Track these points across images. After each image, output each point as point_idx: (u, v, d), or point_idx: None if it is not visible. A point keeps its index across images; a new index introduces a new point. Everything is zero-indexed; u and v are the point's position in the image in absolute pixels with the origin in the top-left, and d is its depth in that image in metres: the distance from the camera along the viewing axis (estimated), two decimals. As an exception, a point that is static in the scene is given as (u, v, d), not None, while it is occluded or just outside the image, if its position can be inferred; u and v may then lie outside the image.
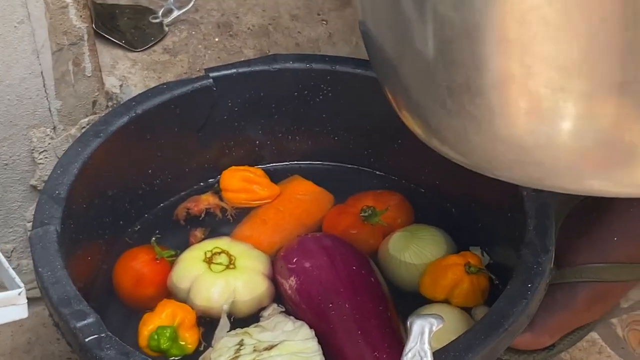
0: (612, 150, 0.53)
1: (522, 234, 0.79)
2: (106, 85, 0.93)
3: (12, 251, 0.95)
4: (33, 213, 0.92)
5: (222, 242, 0.90)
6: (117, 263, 0.90)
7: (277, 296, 0.88)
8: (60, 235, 0.78)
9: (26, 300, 0.56)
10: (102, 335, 0.71)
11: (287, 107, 0.96)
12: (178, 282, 0.87)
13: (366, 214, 0.93)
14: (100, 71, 0.90)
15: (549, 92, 0.51)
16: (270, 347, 0.79)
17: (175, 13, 1.03)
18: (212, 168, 0.97)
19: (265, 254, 0.90)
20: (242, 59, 0.98)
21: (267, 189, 0.96)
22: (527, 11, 0.50)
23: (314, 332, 0.81)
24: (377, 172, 0.99)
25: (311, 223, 0.95)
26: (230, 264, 0.88)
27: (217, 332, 0.85)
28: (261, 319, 0.86)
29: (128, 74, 0.97)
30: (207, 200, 0.96)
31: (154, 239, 0.91)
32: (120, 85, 0.96)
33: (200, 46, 1.01)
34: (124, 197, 0.91)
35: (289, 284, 0.87)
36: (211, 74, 0.92)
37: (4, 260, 0.57)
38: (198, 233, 0.94)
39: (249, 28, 1.03)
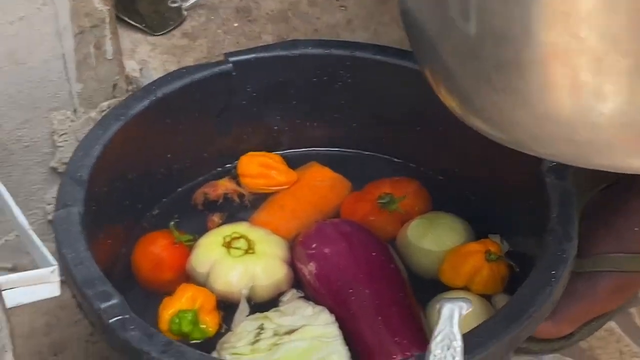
0: None
1: (544, 222, 0.79)
2: (126, 68, 0.94)
3: (31, 234, 0.96)
4: (53, 195, 0.93)
5: (241, 227, 0.90)
6: (135, 247, 0.90)
7: (296, 282, 0.88)
8: (83, 217, 0.78)
9: (59, 278, 0.56)
10: (127, 316, 0.71)
11: (305, 93, 0.96)
12: (197, 267, 0.88)
13: (384, 201, 0.93)
14: (121, 54, 0.91)
15: (602, 66, 0.51)
16: (290, 332, 0.80)
17: (194, -3, 1.03)
18: (230, 153, 0.97)
19: (284, 239, 0.91)
20: (261, 44, 0.98)
21: (284, 175, 0.96)
22: None
23: (334, 317, 0.81)
24: (395, 159, 0.99)
25: (328, 210, 0.95)
26: (249, 249, 0.88)
27: (236, 316, 0.85)
28: (280, 304, 0.86)
29: (148, 58, 0.97)
30: (225, 185, 0.96)
31: (172, 223, 0.91)
32: (140, 69, 0.96)
33: (219, 31, 1.01)
34: (143, 181, 0.91)
35: (308, 269, 0.87)
36: (231, 59, 0.92)
37: (36, 238, 0.58)
38: (216, 218, 0.94)
39: (267, 13, 1.03)
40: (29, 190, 0.93)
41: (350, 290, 0.84)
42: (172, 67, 0.96)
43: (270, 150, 0.98)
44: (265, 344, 0.79)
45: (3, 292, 0.52)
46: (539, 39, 0.52)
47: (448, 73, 0.59)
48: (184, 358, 0.69)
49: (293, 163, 0.98)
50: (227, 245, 0.88)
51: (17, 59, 0.83)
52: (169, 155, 0.93)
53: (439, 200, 0.95)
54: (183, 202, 0.95)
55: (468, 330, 0.70)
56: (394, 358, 0.78)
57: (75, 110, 0.90)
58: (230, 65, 0.92)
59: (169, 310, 0.83)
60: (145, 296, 0.88)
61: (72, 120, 0.90)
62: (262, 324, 0.82)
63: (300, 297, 0.86)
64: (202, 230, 0.91)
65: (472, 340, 0.68)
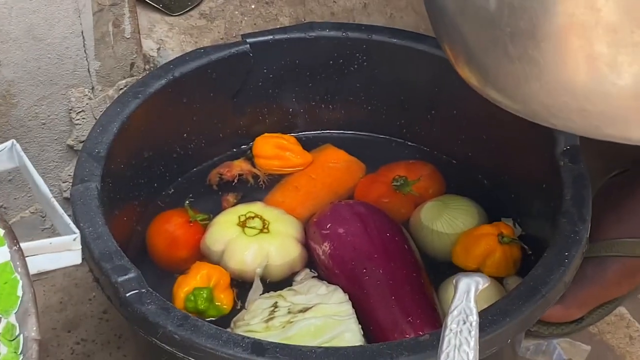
0: None
1: (557, 205, 0.79)
2: (144, 48, 0.94)
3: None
4: (69, 173, 0.94)
5: (256, 207, 0.91)
6: (151, 225, 0.91)
7: (310, 261, 0.89)
8: (100, 193, 0.79)
9: (80, 246, 0.57)
10: (143, 290, 0.71)
11: (321, 75, 0.96)
12: (212, 245, 0.88)
13: (398, 183, 0.94)
14: (139, 34, 0.91)
15: (617, 38, 0.51)
16: (304, 310, 0.80)
17: (211, -21, 1.03)
18: (246, 134, 0.98)
19: (298, 220, 0.91)
20: (278, 27, 0.98)
21: (299, 157, 0.97)
22: None
23: (347, 296, 0.82)
24: (409, 143, 1.00)
25: (343, 191, 0.96)
26: (264, 228, 0.88)
27: (250, 294, 0.86)
28: (294, 283, 0.86)
29: (165, 38, 0.97)
30: (240, 166, 0.96)
31: (187, 202, 0.92)
32: (158, 49, 0.96)
33: (236, 12, 1.01)
34: (159, 160, 0.92)
35: (322, 249, 0.87)
36: (248, 40, 0.92)
37: (58, 207, 0.58)
38: (230, 198, 0.94)
39: (284, -4, 1.04)
40: (45, 167, 0.93)
41: (364, 270, 0.84)
42: (189, 48, 0.97)
43: (285, 132, 0.99)
44: (279, 321, 0.80)
45: (27, 259, 0.53)
46: (555, 9, 0.52)
47: (466, 45, 0.60)
48: (200, 332, 0.69)
49: (308, 145, 0.98)
50: (242, 224, 0.88)
51: (36, 34, 0.84)
52: (184, 135, 0.94)
53: (452, 183, 0.96)
54: (198, 182, 0.96)
55: (481, 309, 0.70)
56: (407, 337, 0.78)
57: (92, 88, 0.90)
58: (247, 46, 0.92)
59: (184, 288, 0.84)
60: (160, 274, 0.88)
61: (89, 98, 0.90)
62: (276, 302, 0.82)
63: (314, 276, 0.87)
64: (216, 209, 0.92)
65: (486, 318, 0.69)
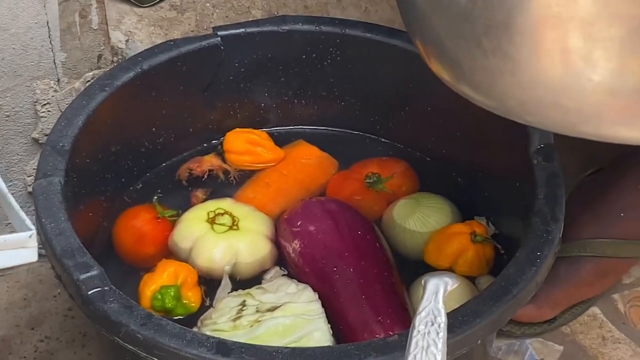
0: None
1: (530, 204, 0.78)
2: (112, 39, 0.92)
3: (10, 205, 0.94)
4: (33, 167, 0.92)
5: (225, 203, 0.89)
6: (118, 221, 0.89)
7: (280, 259, 0.87)
8: (63, 188, 0.77)
9: (36, 244, 0.55)
10: (106, 288, 0.70)
11: (294, 69, 0.95)
12: (180, 242, 0.87)
13: (371, 180, 0.93)
14: (106, 24, 0.89)
15: (593, 31, 0.50)
16: (273, 309, 0.79)
17: (183, -30, 1.01)
18: (216, 129, 0.96)
19: (268, 216, 0.90)
20: (250, 19, 0.96)
21: (271, 152, 0.96)
22: None
23: (317, 295, 0.81)
24: (383, 140, 0.99)
25: (315, 188, 0.94)
26: (234, 225, 0.87)
27: (218, 292, 0.84)
28: (263, 281, 0.85)
29: (134, 30, 0.96)
30: (210, 161, 0.95)
31: (155, 197, 0.91)
32: (126, 41, 0.94)
33: (207, 4, 0.99)
34: (126, 154, 0.90)
35: (293, 247, 0.86)
36: (219, 33, 0.91)
37: (14, 202, 0.56)
38: (200, 194, 0.93)
39: (257, -12, 1.02)
40: (9, 160, 0.91)
41: (335, 269, 0.83)
42: (159, 40, 0.95)
43: (257, 127, 0.97)
44: (246, 320, 0.78)
45: (-20, 256, 0.51)
46: (530, 1, 0.51)
47: (439, 40, 0.58)
48: (164, 331, 0.68)
49: (280, 141, 0.97)
50: (211, 221, 0.87)
51: (-1, 25, 0.82)
52: (153, 129, 0.92)
53: (426, 181, 0.95)
54: (167, 177, 0.94)
55: (452, 309, 0.69)
56: (377, 336, 0.77)
57: (58, 80, 0.88)
58: (219, 39, 0.91)
59: (151, 286, 0.82)
60: (126, 271, 0.87)
61: (55, 90, 0.89)
62: (245, 301, 0.81)
63: (284, 274, 0.86)
64: (185, 206, 0.91)
65: (456, 319, 0.68)
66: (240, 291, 0.83)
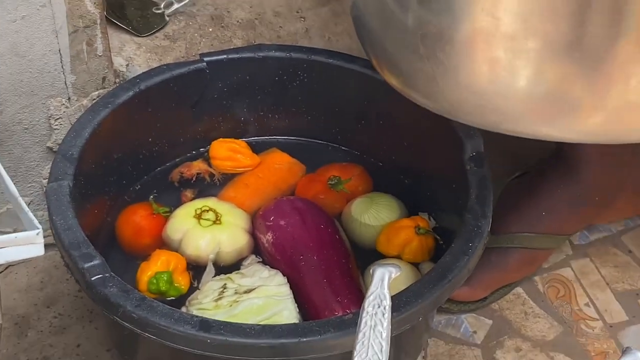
0: (559, 101, 0.52)
1: (464, 202, 0.78)
2: (114, 64, 0.91)
3: (29, 204, 0.93)
4: (49, 171, 0.90)
5: (210, 202, 0.88)
6: (119, 216, 0.88)
7: (256, 249, 0.87)
8: (72, 190, 0.76)
9: (43, 240, 0.54)
10: (107, 275, 0.69)
11: (268, 89, 0.94)
12: (172, 234, 0.86)
13: (332, 182, 0.92)
14: (110, 52, 0.88)
15: (513, 45, 0.49)
16: (249, 291, 0.79)
17: (175, 5, 1.00)
18: (203, 139, 0.95)
19: (247, 212, 0.89)
20: (232, 47, 0.96)
21: (249, 159, 0.95)
22: None
23: (286, 279, 0.80)
24: (343, 148, 0.98)
25: (286, 188, 0.94)
26: (217, 220, 0.86)
27: (203, 277, 0.84)
28: (242, 267, 0.85)
29: (133, 56, 0.95)
30: (198, 166, 0.94)
31: (151, 197, 0.90)
32: (127, 65, 0.93)
33: (196, 35, 0.98)
34: (127, 160, 0.89)
35: (266, 238, 0.86)
36: (205, 59, 0.90)
37: (24, 204, 0.55)
38: (189, 193, 0.92)
39: (238, 21, 1.01)
40: (28, 166, 0.90)
41: (301, 257, 0.82)
42: (155, 64, 0.94)
43: (237, 137, 0.97)
44: (227, 300, 0.78)
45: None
46: (461, 16, 0.51)
47: (387, 53, 0.58)
48: (155, 312, 0.67)
49: (257, 148, 0.96)
50: (198, 216, 0.86)
51: (18, 51, 0.81)
52: (150, 139, 0.91)
53: (378, 182, 0.94)
54: (161, 179, 0.93)
55: (398, 292, 0.69)
56: (336, 314, 0.77)
57: (69, 98, 0.87)
58: (205, 63, 0.90)
59: (147, 272, 0.82)
60: (126, 259, 0.86)
61: (66, 107, 0.87)
62: (225, 284, 0.80)
63: (259, 262, 0.85)
64: (177, 203, 0.90)
65: (401, 300, 0.68)
66: (222, 276, 0.82)
